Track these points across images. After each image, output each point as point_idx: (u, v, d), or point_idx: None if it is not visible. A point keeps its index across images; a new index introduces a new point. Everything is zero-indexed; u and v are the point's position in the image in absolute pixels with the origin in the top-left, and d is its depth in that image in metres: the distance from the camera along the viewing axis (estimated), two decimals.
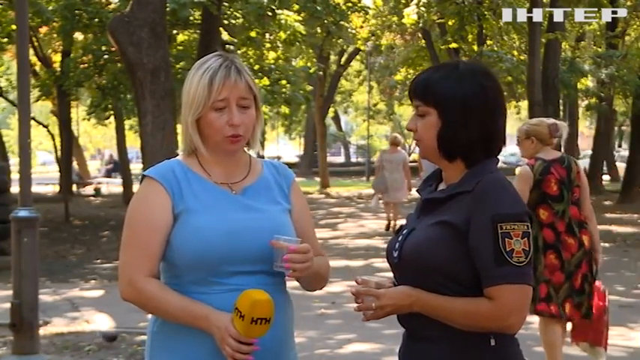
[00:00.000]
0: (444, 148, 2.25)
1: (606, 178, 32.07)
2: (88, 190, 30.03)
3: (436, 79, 2.25)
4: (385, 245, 2.48)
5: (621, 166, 29.38)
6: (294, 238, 2.37)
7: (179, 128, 5.07)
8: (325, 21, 19.42)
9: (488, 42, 25.07)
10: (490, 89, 2.25)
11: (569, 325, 5.62)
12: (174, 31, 19.04)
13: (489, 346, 2.18)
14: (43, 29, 21.18)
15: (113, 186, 30.09)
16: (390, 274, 2.42)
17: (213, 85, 2.36)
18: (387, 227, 14.92)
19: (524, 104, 27.72)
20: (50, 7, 17.93)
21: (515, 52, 25.23)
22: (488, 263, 2.13)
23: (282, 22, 18.28)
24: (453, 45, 22.62)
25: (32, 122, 9.35)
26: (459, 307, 2.16)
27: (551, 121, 5.56)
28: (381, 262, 10.61)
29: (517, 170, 5.62)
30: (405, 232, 2.32)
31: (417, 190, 2.47)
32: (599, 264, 5.48)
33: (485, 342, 2.18)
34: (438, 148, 2.25)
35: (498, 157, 2.30)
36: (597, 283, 5.44)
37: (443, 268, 2.18)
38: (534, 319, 7.84)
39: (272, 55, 21.16)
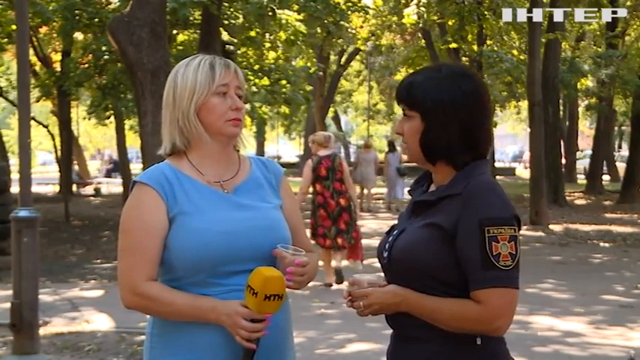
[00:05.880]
0: (426, 151, 2.27)
1: (606, 178, 32.07)
2: (88, 190, 30.03)
3: (418, 83, 2.28)
4: None
5: (621, 166, 29.38)
6: (298, 249, 2.37)
7: None
8: (325, 21, 19.41)
9: (488, 42, 25.07)
10: (470, 93, 2.24)
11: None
12: (174, 31, 19.04)
13: (475, 345, 2.19)
14: (43, 29, 21.18)
15: (113, 186, 30.09)
16: None
17: (215, 71, 2.39)
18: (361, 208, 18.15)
19: (524, 104, 27.75)
20: (50, 7, 17.88)
21: (515, 52, 25.23)
22: (475, 267, 2.13)
23: (283, 22, 18.28)
24: (453, 45, 22.62)
25: (32, 122, 9.34)
26: (446, 309, 2.17)
27: (327, 133, 10.20)
28: None
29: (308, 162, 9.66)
30: (395, 232, 2.33)
31: (408, 191, 2.48)
32: (357, 214, 9.85)
33: (471, 341, 2.19)
34: (422, 151, 2.27)
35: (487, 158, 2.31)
36: (357, 225, 9.76)
37: (431, 270, 2.19)
38: (533, 320, 7.92)
39: (272, 55, 21.16)
